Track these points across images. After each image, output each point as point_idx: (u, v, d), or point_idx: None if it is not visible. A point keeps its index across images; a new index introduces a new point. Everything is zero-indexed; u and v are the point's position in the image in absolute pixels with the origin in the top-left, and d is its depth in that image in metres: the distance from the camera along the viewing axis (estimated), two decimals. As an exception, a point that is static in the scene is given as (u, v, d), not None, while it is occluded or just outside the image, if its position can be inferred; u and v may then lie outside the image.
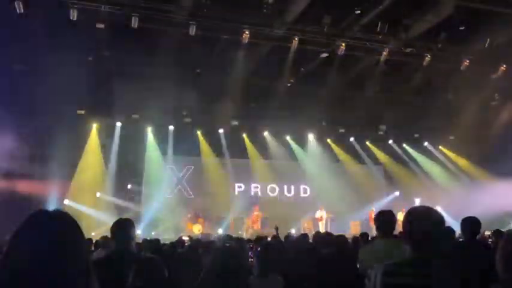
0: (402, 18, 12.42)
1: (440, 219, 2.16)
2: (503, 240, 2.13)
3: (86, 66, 13.80)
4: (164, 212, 17.14)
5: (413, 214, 2.20)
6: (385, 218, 3.80)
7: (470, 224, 4.27)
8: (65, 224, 1.40)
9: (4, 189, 13.14)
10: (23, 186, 13.53)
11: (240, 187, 18.87)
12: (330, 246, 5.22)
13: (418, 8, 12.46)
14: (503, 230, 7.08)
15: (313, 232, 11.25)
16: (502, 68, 14.93)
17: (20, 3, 10.59)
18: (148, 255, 3.75)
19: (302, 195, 19.44)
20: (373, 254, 3.69)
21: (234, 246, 4.93)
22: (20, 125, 12.53)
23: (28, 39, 12.28)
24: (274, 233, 9.27)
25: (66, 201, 14.92)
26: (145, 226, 15.79)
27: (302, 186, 19.57)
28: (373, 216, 17.19)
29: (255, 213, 16.74)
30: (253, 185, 19.02)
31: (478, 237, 4.88)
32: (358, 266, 4.14)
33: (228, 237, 7.80)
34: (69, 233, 1.38)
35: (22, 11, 10.75)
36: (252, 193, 18.90)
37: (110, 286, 1.46)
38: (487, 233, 9.04)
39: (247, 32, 12.56)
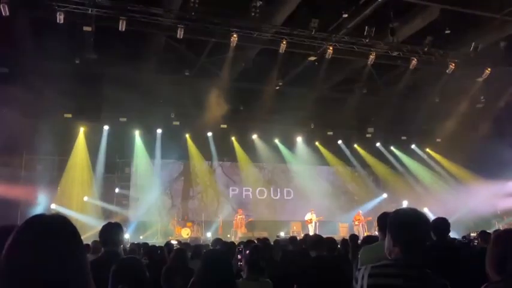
0: (389, 22, 12.55)
1: (426, 221, 2.18)
2: (491, 241, 2.14)
3: (73, 69, 13.69)
4: (152, 216, 17.04)
5: (399, 216, 2.22)
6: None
7: (438, 224, 4.20)
8: (65, 229, 1.39)
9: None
10: (10, 191, 13.34)
11: (234, 190, 18.84)
12: (320, 248, 5.23)
13: (405, 12, 12.62)
14: (489, 231, 7.16)
15: (302, 235, 11.30)
16: (487, 71, 15.14)
17: (6, 5, 10.44)
18: (129, 256, 3.74)
19: (286, 197, 19.46)
20: (375, 255, 3.64)
21: (223, 250, 4.93)
22: (7, 129, 12.35)
23: (14, 42, 12.15)
24: (261, 237, 9.26)
25: (53, 206, 14.74)
26: (133, 230, 15.69)
27: (288, 189, 19.60)
28: (358, 217, 17.45)
29: (239, 216, 16.63)
30: (244, 188, 18.99)
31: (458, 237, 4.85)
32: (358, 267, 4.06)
33: (218, 241, 7.77)
34: (69, 238, 1.37)
35: (8, 13, 10.59)
36: (244, 196, 18.87)
37: (98, 290, 1.45)
38: (473, 234, 9.14)
39: (235, 35, 12.57)
